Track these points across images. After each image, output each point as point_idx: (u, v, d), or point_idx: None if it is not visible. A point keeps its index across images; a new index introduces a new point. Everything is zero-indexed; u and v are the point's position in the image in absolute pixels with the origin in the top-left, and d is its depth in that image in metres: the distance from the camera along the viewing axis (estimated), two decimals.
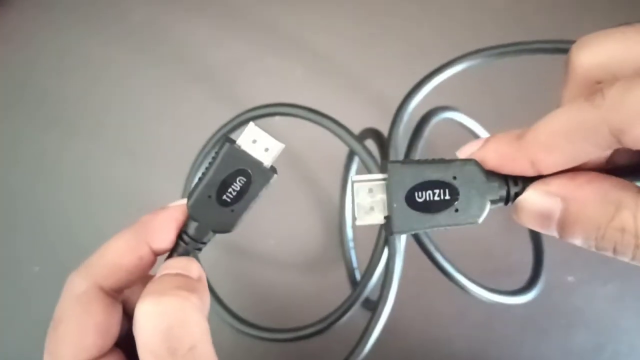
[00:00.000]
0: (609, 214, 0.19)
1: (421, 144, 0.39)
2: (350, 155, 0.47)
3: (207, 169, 0.24)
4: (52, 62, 0.59)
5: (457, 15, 0.56)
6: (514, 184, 0.23)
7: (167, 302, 0.22)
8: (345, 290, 0.46)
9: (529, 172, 0.21)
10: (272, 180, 0.24)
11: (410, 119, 0.40)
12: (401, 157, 0.39)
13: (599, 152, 0.20)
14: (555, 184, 0.21)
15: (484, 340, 0.47)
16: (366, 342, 0.35)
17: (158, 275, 0.25)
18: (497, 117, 0.50)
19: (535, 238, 0.47)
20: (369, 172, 0.37)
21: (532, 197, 0.22)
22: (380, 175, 0.24)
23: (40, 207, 0.53)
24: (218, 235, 0.25)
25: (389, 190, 0.23)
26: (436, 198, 0.23)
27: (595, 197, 0.20)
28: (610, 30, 0.20)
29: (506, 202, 0.23)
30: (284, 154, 0.24)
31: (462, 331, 0.47)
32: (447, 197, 0.23)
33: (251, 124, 0.24)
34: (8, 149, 0.56)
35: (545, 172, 0.21)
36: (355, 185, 0.24)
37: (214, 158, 0.24)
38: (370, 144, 0.41)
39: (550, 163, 0.21)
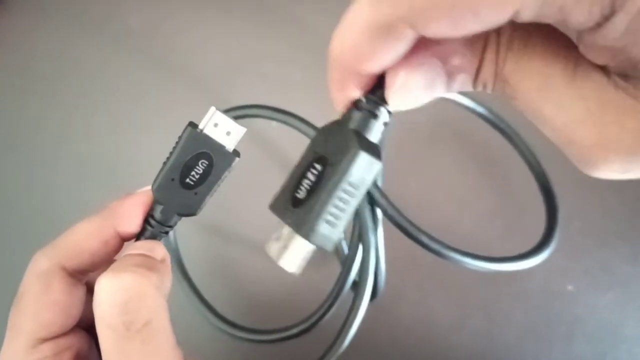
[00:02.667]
0: (484, 41, 0.19)
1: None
2: None
3: (170, 153, 0.25)
4: (46, 64, 0.60)
5: None
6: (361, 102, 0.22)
7: (125, 278, 0.23)
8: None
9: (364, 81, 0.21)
10: (234, 163, 0.25)
11: None
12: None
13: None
14: (420, 53, 0.20)
15: (484, 349, 0.47)
16: (344, 338, 0.35)
17: (122, 254, 0.25)
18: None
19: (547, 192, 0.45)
20: None
21: (410, 75, 0.20)
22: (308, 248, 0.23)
23: (34, 211, 0.53)
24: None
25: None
26: (313, 179, 0.22)
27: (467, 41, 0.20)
28: None
29: (375, 112, 0.22)
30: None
31: (461, 340, 0.47)
32: (320, 169, 0.22)
33: (212, 108, 0.24)
34: (1, 150, 0.57)
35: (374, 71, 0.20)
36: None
37: (177, 142, 0.25)
38: None
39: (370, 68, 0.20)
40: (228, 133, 0.24)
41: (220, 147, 0.24)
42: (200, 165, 0.25)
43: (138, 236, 0.26)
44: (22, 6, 0.62)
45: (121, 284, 0.23)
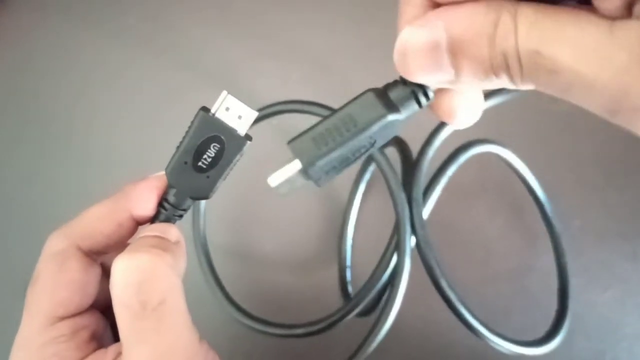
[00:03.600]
0: (496, 14, 0.18)
1: (450, 172, 0.41)
2: (367, 160, 0.48)
3: (183, 137, 0.25)
4: (47, 61, 0.60)
5: None
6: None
7: (140, 258, 0.23)
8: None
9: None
10: (245, 147, 0.25)
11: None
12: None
13: None
14: (429, 15, 0.20)
15: (483, 346, 0.47)
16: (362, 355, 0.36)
17: (136, 237, 0.26)
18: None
19: (561, 273, 0.46)
20: (387, 181, 0.39)
21: (412, 31, 0.21)
22: (294, 166, 0.24)
23: (35, 209, 0.54)
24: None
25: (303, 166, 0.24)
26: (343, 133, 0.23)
27: (477, 7, 0.19)
28: None
29: (419, 98, 0.23)
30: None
31: (461, 337, 0.47)
32: (350, 128, 0.23)
33: (224, 92, 0.25)
34: (4, 146, 0.57)
35: None
36: (276, 187, 0.24)
37: (189, 126, 0.25)
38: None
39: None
40: (240, 117, 0.25)
41: (231, 131, 0.25)
42: (212, 149, 0.25)
43: (152, 220, 0.27)
44: (23, 4, 0.63)
45: (136, 264, 0.23)
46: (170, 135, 0.27)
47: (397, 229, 0.38)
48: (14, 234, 0.53)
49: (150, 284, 0.23)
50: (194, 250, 0.43)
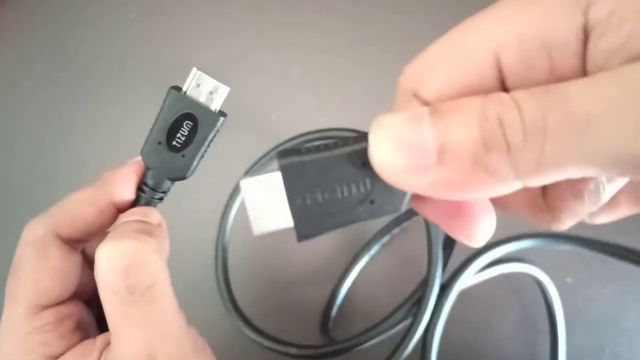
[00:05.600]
0: (482, 96, 0.15)
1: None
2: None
3: (156, 118, 0.25)
4: (47, 59, 0.60)
5: (457, 13, 0.56)
6: None
7: (125, 244, 0.23)
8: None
9: None
10: (219, 123, 0.25)
11: None
12: None
13: None
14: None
15: (482, 341, 0.46)
16: None
17: (118, 222, 0.26)
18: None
19: None
20: (429, 233, 0.39)
21: (390, 115, 0.17)
22: (276, 174, 0.19)
23: (35, 206, 0.54)
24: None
25: (286, 192, 0.19)
26: (345, 194, 0.19)
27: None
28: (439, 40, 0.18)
29: None
30: None
31: (459, 332, 0.46)
32: (359, 190, 0.19)
33: (194, 69, 0.25)
34: (3, 147, 0.57)
35: None
36: (244, 186, 0.20)
37: (161, 106, 0.25)
38: None
39: None
40: (211, 93, 0.25)
41: (203, 108, 0.25)
42: (185, 127, 0.25)
43: (132, 205, 0.27)
44: (22, 3, 0.63)
45: (122, 249, 0.23)
46: None
47: (425, 286, 0.38)
48: (14, 235, 0.53)
49: (137, 268, 0.23)
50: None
